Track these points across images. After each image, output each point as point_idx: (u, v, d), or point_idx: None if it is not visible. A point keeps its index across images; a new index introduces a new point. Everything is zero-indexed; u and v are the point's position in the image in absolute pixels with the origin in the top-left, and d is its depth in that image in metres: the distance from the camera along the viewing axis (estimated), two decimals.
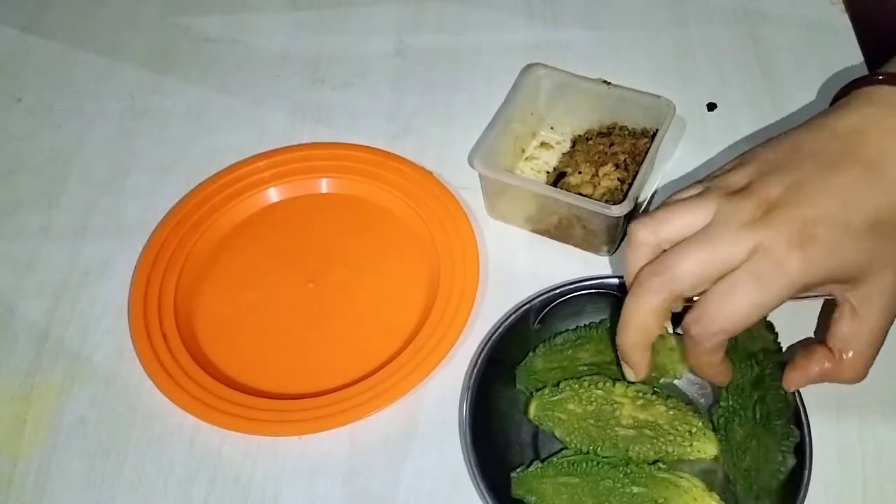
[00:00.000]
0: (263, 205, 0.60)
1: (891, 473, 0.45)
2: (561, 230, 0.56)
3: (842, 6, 0.70)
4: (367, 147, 0.62)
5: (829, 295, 0.40)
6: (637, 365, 0.41)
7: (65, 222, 0.60)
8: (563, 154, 0.61)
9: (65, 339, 0.54)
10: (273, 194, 0.61)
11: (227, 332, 0.54)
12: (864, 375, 0.40)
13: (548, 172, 0.60)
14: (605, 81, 0.58)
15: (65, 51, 0.72)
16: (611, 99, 0.58)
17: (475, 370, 0.47)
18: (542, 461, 0.46)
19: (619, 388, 0.46)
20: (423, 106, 0.66)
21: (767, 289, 0.36)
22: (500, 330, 0.48)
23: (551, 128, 0.62)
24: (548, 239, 0.57)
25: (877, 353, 0.40)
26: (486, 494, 0.42)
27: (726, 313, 0.37)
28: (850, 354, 0.40)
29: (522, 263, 0.56)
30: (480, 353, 0.47)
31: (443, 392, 0.50)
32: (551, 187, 0.55)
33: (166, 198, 0.60)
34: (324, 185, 0.61)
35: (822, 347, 0.41)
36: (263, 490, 0.47)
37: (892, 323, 0.40)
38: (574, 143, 0.61)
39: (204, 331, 0.54)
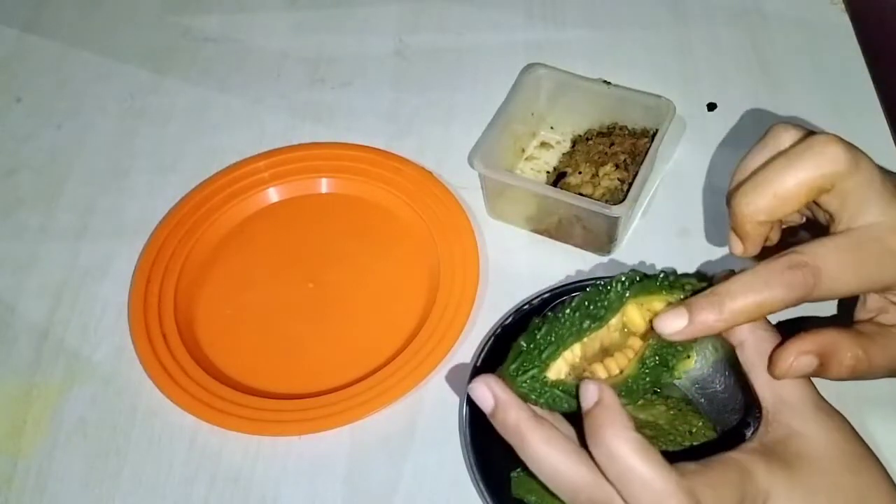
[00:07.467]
0: (263, 205, 0.60)
1: (891, 474, 0.45)
2: (561, 230, 0.56)
3: (842, 6, 0.70)
4: (367, 147, 0.62)
5: None
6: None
7: (65, 222, 0.60)
8: (563, 154, 0.61)
9: (65, 339, 0.54)
10: (273, 194, 0.61)
11: (227, 332, 0.54)
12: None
13: (548, 172, 0.60)
14: (605, 81, 0.58)
15: (64, 51, 0.72)
16: (611, 99, 0.58)
17: (475, 370, 0.47)
18: None
19: None
20: (423, 106, 0.66)
21: None
22: (499, 330, 0.48)
23: (551, 128, 0.62)
24: (548, 239, 0.57)
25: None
26: (485, 494, 0.42)
27: None
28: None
29: (522, 263, 0.56)
30: (480, 353, 0.47)
31: (443, 392, 0.50)
32: (551, 187, 0.55)
33: (166, 198, 0.60)
34: (324, 185, 0.61)
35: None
36: (263, 490, 0.47)
37: None
38: (574, 143, 0.61)
39: (204, 331, 0.54)
